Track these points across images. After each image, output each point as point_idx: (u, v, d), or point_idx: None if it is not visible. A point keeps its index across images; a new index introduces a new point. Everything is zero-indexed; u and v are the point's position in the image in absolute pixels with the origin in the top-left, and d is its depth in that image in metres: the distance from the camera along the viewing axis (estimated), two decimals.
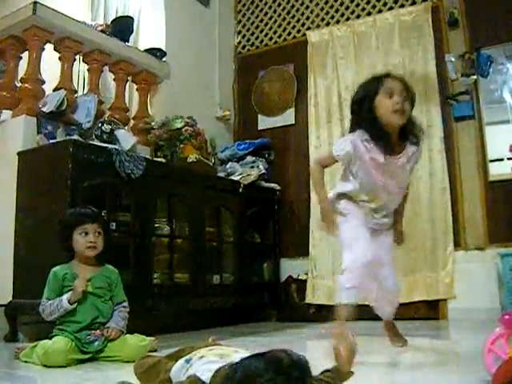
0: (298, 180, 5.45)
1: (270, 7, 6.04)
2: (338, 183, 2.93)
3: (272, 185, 5.38)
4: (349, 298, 2.60)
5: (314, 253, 5.13)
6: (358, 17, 5.49)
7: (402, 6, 5.28)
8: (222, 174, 4.98)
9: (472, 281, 4.58)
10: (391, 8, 5.34)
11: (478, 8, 4.91)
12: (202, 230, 4.41)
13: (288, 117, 5.69)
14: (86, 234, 2.68)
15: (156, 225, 4.01)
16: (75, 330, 2.61)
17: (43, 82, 4.10)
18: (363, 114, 2.60)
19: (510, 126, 4.53)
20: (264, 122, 5.84)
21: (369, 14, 5.44)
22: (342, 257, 2.70)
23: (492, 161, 4.69)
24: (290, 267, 5.34)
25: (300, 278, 5.19)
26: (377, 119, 2.55)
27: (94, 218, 2.73)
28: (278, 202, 5.43)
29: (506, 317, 1.81)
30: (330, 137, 5.23)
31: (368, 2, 5.48)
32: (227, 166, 5.16)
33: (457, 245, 4.71)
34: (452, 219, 4.71)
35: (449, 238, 4.68)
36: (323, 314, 4.92)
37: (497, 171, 4.64)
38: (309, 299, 5.03)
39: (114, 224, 3.62)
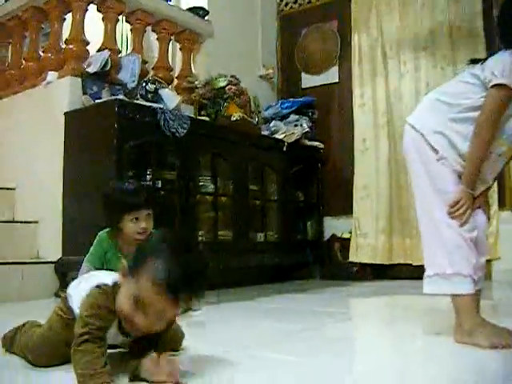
0: (341, 138, 5.40)
1: None
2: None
3: (316, 143, 5.35)
4: None
5: (358, 211, 5.10)
6: None
7: None
8: (265, 133, 4.98)
9: None
10: None
11: None
12: (245, 188, 4.43)
13: (332, 75, 5.62)
14: (137, 219, 2.41)
15: (200, 183, 4.05)
16: None
17: (87, 43, 4.14)
18: None
19: None
20: (307, 81, 5.79)
21: None
22: None
23: None
24: (333, 226, 5.34)
25: (343, 236, 5.20)
26: None
27: (146, 205, 2.45)
28: (321, 161, 5.41)
29: None
30: (375, 95, 5.14)
31: None
32: (271, 124, 5.15)
33: (502, 205, 4.62)
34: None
35: (493, 197, 4.56)
36: (366, 272, 4.96)
37: None
38: (352, 258, 5.03)
39: (159, 182, 3.68)
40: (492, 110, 1.96)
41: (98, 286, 1.51)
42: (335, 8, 5.69)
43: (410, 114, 2.23)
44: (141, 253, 1.50)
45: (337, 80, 5.58)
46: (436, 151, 2.06)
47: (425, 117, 2.15)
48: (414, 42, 5.02)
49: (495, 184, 4.50)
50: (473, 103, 2.02)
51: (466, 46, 4.74)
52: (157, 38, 4.80)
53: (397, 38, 5.11)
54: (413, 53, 5.02)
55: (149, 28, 4.70)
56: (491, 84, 1.95)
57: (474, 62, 2.11)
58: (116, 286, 1.50)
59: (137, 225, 2.41)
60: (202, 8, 5.02)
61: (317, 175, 5.36)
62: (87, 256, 2.52)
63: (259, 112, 5.30)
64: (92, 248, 2.52)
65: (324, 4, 5.81)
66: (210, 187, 4.14)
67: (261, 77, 5.77)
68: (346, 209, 5.18)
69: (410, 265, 4.69)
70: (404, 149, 2.22)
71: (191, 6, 5.01)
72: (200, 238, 3.96)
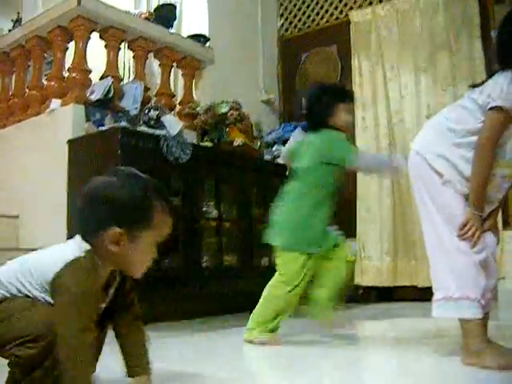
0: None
1: None
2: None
3: None
4: None
5: (362, 234, 5.10)
6: None
7: None
8: (268, 157, 4.99)
9: None
10: None
11: None
12: (249, 212, 4.43)
13: None
14: None
15: (204, 208, 4.05)
16: None
17: (90, 71, 4.18)
18: None
19: None
20: None
21: None
22: None
23: None
24: None
25: (348, 259, 5.17)
26: None
27: None
28: None
29: None
30: (376, 118, 5.17)
31: None
32: (273, 148, 5.16)
33: (505, 224, 4.61)
34: None
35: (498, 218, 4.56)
36: (372, 294, 4.94)
37: None
38: (357, 280, 5.02)
39: None
40: (490, 132, 1.98)
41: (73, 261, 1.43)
42: (335, 32, 5.74)
43: (414, 139, 2.25)
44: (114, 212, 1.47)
45: None
46: (441, 175, 2.07)
47: (428, 142, 2.16)
48: (414, 63, 5.06)
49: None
50: (473, 127, 2.03)
51: (466, 68, 4.77)
52: (159, 65, 4.84)
53: (397, 60, 5.15)
54: (413, 75, 5.05)
55: (150, 55, 4.75)
56: (488, 107, 1.98)
57: (475, 86, 2.12)
58: (87, 252, 1.47)
59: None
60: (202, 35, 5.07)
61: None
62: None
63: (261, 137, 5.31)
64: None
65: (323, 28, 5.87)
66: (214, 212, 4.14)
67: (262, 101, 5.81)
68: (350, 232, 5.16)
69: (416, 287, 4.68)
70: (410, 174, 2.22)
71: (192, 33, 5.06)
72: (204, 264, 3.96)
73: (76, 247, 1.48)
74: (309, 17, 6.00)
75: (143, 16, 4.66)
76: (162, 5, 5.12)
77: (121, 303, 1.64)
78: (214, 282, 3.99)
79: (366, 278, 4.99)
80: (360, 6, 5.62)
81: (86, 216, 1.52)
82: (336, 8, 5.81)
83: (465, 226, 2.01)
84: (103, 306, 1.57)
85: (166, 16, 4.88)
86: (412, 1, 5.21)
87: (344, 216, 5.24)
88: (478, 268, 2.00)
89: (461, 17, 4.93)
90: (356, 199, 5.17)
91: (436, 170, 2.08)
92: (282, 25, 6.17)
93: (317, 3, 5.94)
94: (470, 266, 1.99)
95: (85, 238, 1.49)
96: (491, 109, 1.97)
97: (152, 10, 4.95)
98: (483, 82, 2.09)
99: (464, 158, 2.04)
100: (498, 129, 1.98)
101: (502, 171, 2.05)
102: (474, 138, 2.02)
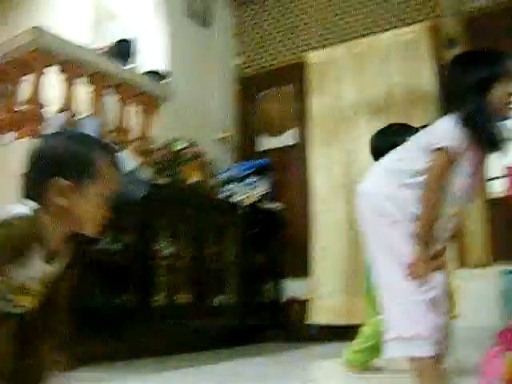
0: (299, 200, 5.44)
1: (269, 29, 6.09)
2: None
3: (273, 205, 5.39)
4: None
5: (316, 272, 5.10)
6: (357, 38, 5.54)
7: (401, 26, 5.36)
8: (223, 196, 4.99)
9: (476, 299, 4.56)
10: (389, 28, 5.41)
11: (478, 26, 4.99)
12: (204, 251, 4.41)
13: (289, 137, 5.72)
14: None
15: (158, 246, 4.01)
16: None
17: (45, 105, 4.12)
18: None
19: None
20: (265, 143, 5.87)
21: (367, 34, 5.50)
22: None
23: (492, 179, 4.71)
24: (292, 287, 5.33)
25: (302, 298, 5.18)
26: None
27: None
28: (279, 222, 5.43)
29: (502, 332, 1.83)
30: (331, 157, 5.24)
31: (366, 23, 5.55)
32: (228, 187, 5.16)
33: (461, 262, 4.72)
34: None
35: (452, 255, 4.64)
36: (326, 333, 4.92)
37: (494, 189, 4.66)
38: (311, 319, 5.00)
39: (117, 246, 3.62)
40: (435, 172, 2.02)
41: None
42: (291, 72, 5.83)
43: (362, 181, 2.25)
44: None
45: (294, 142, 5.68)
46: (389, 216, 2.07)
47: (376, 183, 2.17)
48: (370, 104, 5.16)
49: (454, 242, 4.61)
50: (421, 168, 2.06)
51: (421, 109, 4.88)
52: (115, 101, 4.81)
53: (352, 101, 5.25)
54: (368, 115, 5.15)
55: (108, 90, 4.72)
56: (434, 147, 2.02)
57: (423, 127, 2.18)
58: (35, 211, 1.46)
59: None
60: (160, 72, 5.07)
61: (275, 237, 5.36)
62: None
63: (216, 175, 5.31)
64: None
65: (281, 68, 5.95)
66: (168, 250, 4.10)
67: (218, 139, 5.82)
68: (305, 270, 5.19)
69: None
70: (359, 216, 2.22)
71: (150, 69, 5.06)
72: (157, 303, 3.90)
73: (23, 208, 1.47)
74: (266, 56, 6.08)
75: (101, 51, 4.65)
76: (121, 40, 5.10)
77: (49, 308, 1.58)
78: (165, 321, 3.93)
79: (321, 317, 4.97)
80: (317, 47, 5.73)
81: (31, 175, 1.53)
82: (293, 48, 5.90)
83: (413, 265, 2.01)
84: (35, 276, 1.50)
85: (123, 51, 4.87)
86: (367, 43, 5.36)
87: (298, 254, 5.28)
88: (429, 307, 1.99)
89: (415, 60, 5.08)
90: (311, 237, 5.19)
91: (384, 212, 2.08)
92: (240, 63, 6.23)
93: (275, 43, 6.04)
94: (421, 305, 1.99)
95: (32, 197, 1.48)
96: (436, 150, 2.02)
97: (110, 45, 4.93)
98: (429, 125, 2.15)
99: (411, 198, 2.06)
100: (443, 169, 2.02)
101: (450, 209, 2.09)
102: (420, 179, 2.05)
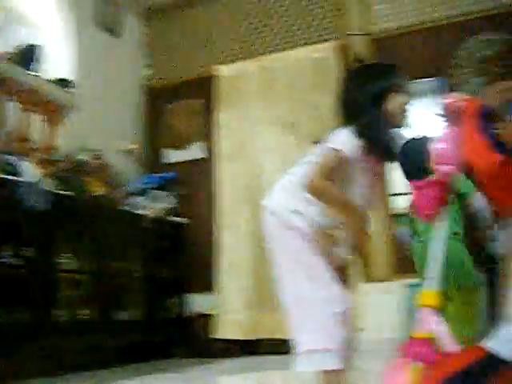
0: (206, 214, 5.40)
1: (180, 41, 6.05)
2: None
3: (179, 219, 5.34)
4: None
5: (222, 287, 5.09)
6: (269, 53, 5.59)
7: (312, 43, 5.46)
8: (128, 209, 4.89)
9: (380, 312, 4.67)
10: (301, 45, 5.50)
11: (384, 46, 5.21)
12: (108, 265, 4.31)
13: (196, 151, 5.68)
14: None
15: (61, 260, 3.88)
16: None
17: None
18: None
19: None
20: (172, 156, 5.80)
21: (279, 50, 5.57)
22: None
23: (394, 194, 4.85)
24: (197, 302, 5.28)
25: (208, 312, 5.14)
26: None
27: None
28: (185, 237, 5.38)
29: (404, 345, 1.87)
30: (239, 171, 5.25)
31: (279, 39, 5.62)
32: (134, 200, 5.07)
33: (365, 277, 4.80)
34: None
35: (357, 270, 4.72)
36: (233, 348, 4.90)
37: (399, 204, 4.79)
38: (217, 334, 4.97)
39: (18, 260, 3.48)
40: (320, 167, 2.05)
41: None
42: (203, 85, 5.78)
43: (267, 196, 2.24)
44: None
45: (202, 156, 5.65)
46: (296, 229, 2.08)
47: (280, 198, 2.18)
48: (279, 119, 5.21)
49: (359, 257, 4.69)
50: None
51: (329, 124, 4.97)
52: (19, 108, 4.63)
53: (261, 115, 5.28)
54: (277, 130, 5.19)
55: (11, 97, 4.54)
56: (326, 148, 2.07)
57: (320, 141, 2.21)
58: None
59: None
60: (67, 79, 4.93)
61: (181, 251, 5.31)
62: None
63: (122, 187, 5.21)
64: None
65: (192, 80, 5.90)
66: (71, 264, 3.97)
67: (125, 151, 5.71)
68: (211, 285, 5.16)
69: (279, 339, 4.70)
70: (264, 231, 2.21)
71: (57, 77, 4.90)
72: (60, 318, 3.77)
73: None
74: (177, 68, 6.02)
75: (5, 56, 4.46)
76: (26, 46, 4.92)
77: None
78: (67, 337, 3.80)
79: (226, 332, 4.95)
80: (229, 61, 5.74)
81: None
82: (205, 61, 5.88)
83: (320, 273, 2.04)
84: None
85: (29, 57, 4.69)
86: (279, 59, 5.42)
87: (204, 269, 5.24)
88: (337, 320, 2.01)
89: (324, 77, 5.16)
90: (217, 252, 5.17)
91: (292, 225, 2.09)
92: (149, 74, 6.15)
93: (185, 55, 6.00)
94: (329, 318, 2.00)
95: None
96: (329, 149, 2.06)
97: (15, 50, 4.74)
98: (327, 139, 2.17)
99: (314, 211, 2.08)
100: (332, 163, 2.05)
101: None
102: None
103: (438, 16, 5.25)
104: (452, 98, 1.77)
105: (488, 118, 1.77)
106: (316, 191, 2.06)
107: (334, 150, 2.05)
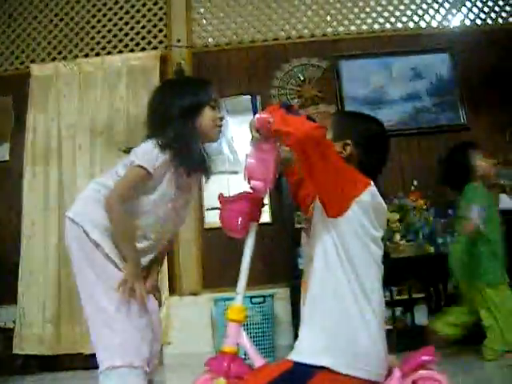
0: (8, 221, 5.08)
1: None
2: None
3: None
4: None
5: (23, 299, 4.76)
6: (87, 56, 5.42)
7: (132, 50, 5.41)
8: None
9: (187, 326, 4.66)
10: (121, 51, 5.41)
11: (204, 60, 5.34)
12: None
13: (1, 152, 5.29)
14: None
15: None
16: None
17: None
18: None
19: (225, 177, 4.74)
20: None
21: (97, 54, 5.42)
22: None
23: (208, 209, 4.87)
24: None
25: (7, 326, 4.80)
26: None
27: None
28: None
29: (210, 360, 1.87)
30: (47, 177, 4.98)
31: (98, 43, 5.48)
32: None
33: (171, 290, 4.79)
34: (167, 265, 4.69)
35: (163, 283, 4.66)
36: (32, 365, 4.62)
37: (212, 219, 4.81)
38: (16, 349, 4.65)
39: None
40: (125, 183, 2.06)
41: None
42: (12, 82, 5.44)
43: (71, 205, 2.17)
44: None
45: (7, 158, 5.26)
46: (98, 245, 2.03)
47: (84, 209, 2.12)
48: (92, 125, 5.04)
49: (165, 270, 4.65)
50: None
51: (143, 134, 4.88)
52: None
53: (74, 120, 5.09)
54: (89, 136, 5.01)
55: None
56: (132, 165, 2.06)
57: (128, 151, 2.19)
58: None
59: None
60: None
61: None
62: None
63: None
64: None
65: (2, 76, 5.50)
66: None
67: None
68: (11, 296, 4.81)
69: (82, 354, 4.51)
70: (66, 242, 2.13)
71: None
72: None
73: None
74: None
75: None
76: None
77: None
78: None
79: (26, 347, 4.66)
80: (43, 60, 5.47)
81: None
82: (16, 57, 5.53)
83: (124, 283, 2.00)
84: None
85: None
86: (96, 63, 5.26)
87: (6, 279, 4.89)
88: (141, 334, 1.99)
89: (143, 85, 5.11)
90: (19, 261, 4.84)
91: (93, 240, 2.04)
92: None
93: None
94: (133, 333, 1.97)
95: None
96: (133, 166, 2.06)
97: None
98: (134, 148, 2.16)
99: None
100: (134, 181, 2.06)
101: (152, 235, 2.14)
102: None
103: (258, 37, 5.46)
104: (262, 113, 1.80)
105: (289, 109, 1.83)
106: (109, 211, 2.04)
107: (139, 166, 2.03)
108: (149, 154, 2.05)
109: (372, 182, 1.79)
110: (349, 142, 1.86)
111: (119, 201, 2.03)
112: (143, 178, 2.05)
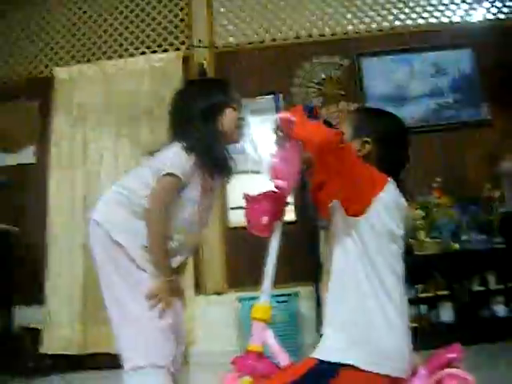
0: (36, 222, 5.10)
1: (15, 39, 5.69)
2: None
3: (7, 226, 5.00)
4: None
5: (51, 300, 4.84)
6: (110, 58, 5.47)
7: (154, 51, 5.44)
8: None
9: (212, 325, 4.67)
10: (143, 53, 5.45)
11: (226, 60, 5.34)
12: None
13: (27, 155, 5.35)
14: None
15: None
16: None
17: None
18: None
19: (248, 177, 4.74)
20: (1, 159, 5.43)
21: (120, 56, 5.47)
22: None
23: (232, 208, 4.88)
24: (25, 315, 4.96)
25: (36, 326, 4.86)
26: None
27: None
28: (13, 245, 5.04)
29: (236, 359, 1.87)
30: (73, 179, 5.04)
31: (120, 45, 5.53)
32: None
33: (196, 289, 4.81)
34: (192, 264, 4.70)
35: (188, 283, 4.68)
36: (59, 364, 4.67)
37: (236, 218, 4.82)
38: (45, 349, 4.72)
39: None
40: (161, 195, 2.04)
41: None
42: (38, 86, 5.51)
43: (95, 208, 2.18)
44: None
45: (33, 161, 5.34)
46: (122, 246, 2.04)
47: (107, 211, 2.12)
48: (116, 126, 5.08)
49: (190, 269, 4.67)
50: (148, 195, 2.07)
51: (166, 135, 4.91)
52: None
53: (98, 123, 5.13)
54: (113, 138, 5.07)
55: None
56: (162, 173, 2.04)
57: (151, 153, 2.19)
58: None
59: None
60: None
61: (8, 261, 4.97)
62: None
63: None
64: None
65: (25, 81, 5.59)
66: None
67: None
68: (39, 297, 4.88)
69: (109, 354, 4.55)
70: (90, 244, 2.14)
71: None
72: None
73: None
74: (11, 68, 5.66)
75: None
76: None
77: None
78: None
79: (53, 347, 4.72)
80: (67, 63, 5.53)
81: None
82: (41, 61, 5.61)
83: (154, 295, 2.00)
84: None
85: None
86: (120, 65, 5.31)
87: (33, 280, 4.96)
88: (166, 335, 1.99)
89: (166, 86, 5.07)
90: (46, 263, 4.92)
91: (117, 242, 2.04)
92: None
93: (21, 54, 5.66)
94: (158, 334, 1.98)
95: None
96: (163, 175, 2.04)
97: None
98: (158, 151, 2.16)
99: (143, 227, 2.05)
100: (169, 192, 2.05)
101: (177, 237, 2.11)
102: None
103: (279, 36, 5.48)
104: (284, 113, 1.80)
105: (311, 111, 1.79)
106: (149, 222, 2.03)
107: (169, 174, 2.02)
108: (177, 159, 2.05)
109: (390, 179, 1.77)
110: (367, 139, 1.85)
111: (160, 215, 2.03)
112: (176, 185, 2.04)
